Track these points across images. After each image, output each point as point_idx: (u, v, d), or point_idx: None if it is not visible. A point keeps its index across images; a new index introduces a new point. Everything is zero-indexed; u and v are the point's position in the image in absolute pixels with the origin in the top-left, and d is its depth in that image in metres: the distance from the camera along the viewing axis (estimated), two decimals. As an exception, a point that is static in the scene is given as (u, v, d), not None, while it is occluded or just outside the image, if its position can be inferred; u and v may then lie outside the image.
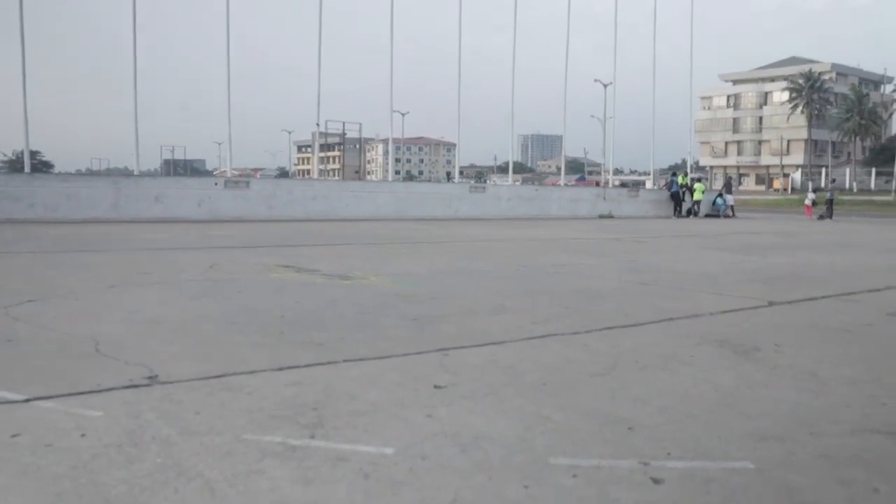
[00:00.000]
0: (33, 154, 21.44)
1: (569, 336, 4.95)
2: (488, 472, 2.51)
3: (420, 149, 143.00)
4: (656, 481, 2.48)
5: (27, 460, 2.54)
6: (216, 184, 21.60)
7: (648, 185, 37.06)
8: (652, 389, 3.66)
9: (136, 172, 21.80)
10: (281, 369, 3.84)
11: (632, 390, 3.64)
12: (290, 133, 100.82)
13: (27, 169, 19.84)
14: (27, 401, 3.22)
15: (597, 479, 2.49)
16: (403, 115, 64.44)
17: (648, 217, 28.31)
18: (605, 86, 40.27)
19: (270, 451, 2.66)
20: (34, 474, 2.42)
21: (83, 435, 2.78)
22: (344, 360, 4.07)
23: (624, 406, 3.35)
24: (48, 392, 3.33)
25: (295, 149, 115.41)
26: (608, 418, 3.16)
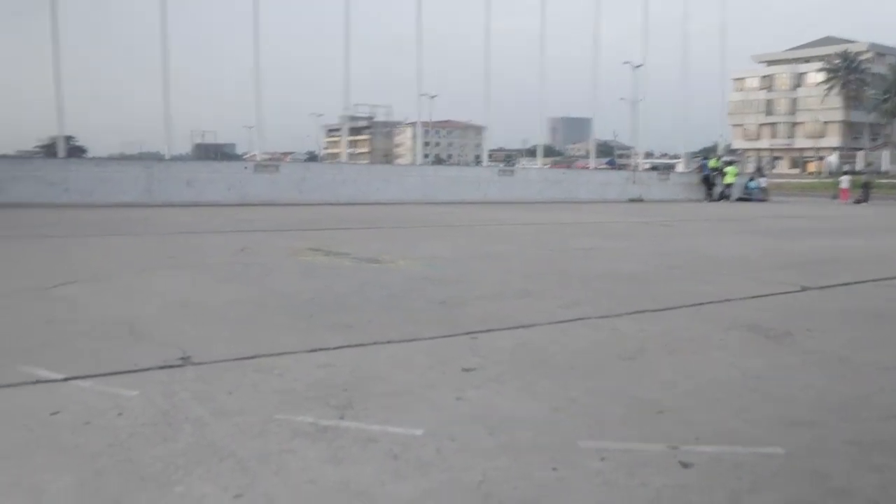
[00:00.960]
0: (67, 139, 21.76)
1: (597, 319, 4.94)
2: (516, 454, 2.53)
3: (449, 132, 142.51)
4: (685, 465, 2.48)
5: (67, 438, 2.61)
6: (246, 168, 21.75)
7: (680, 168, 36.63)
8: (681, 373, 3.65)
9: (167, 157, 22.04)
10: (311, 351, 3.89)
11: (660, 374, 3.63)
12: (318, 117, 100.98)
13: (62, 154, 20.14)
14: (66, 380, 3.30)
15: (625, 462, 2.49)
16: (432, 98, 64.33)
17: (679, 200, 28.00)
18: (636, 68, 39.82)
19: (301, 431, 2.70)
20: (74, 451, 2.49)
21: (120, 414, 2.85)
22: (373, 343, 4.11)
23: (652, 390, 3.34)
24: (86, 371, 3.41)
25: (324, 133, 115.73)
26: (636, 402, 3.16)
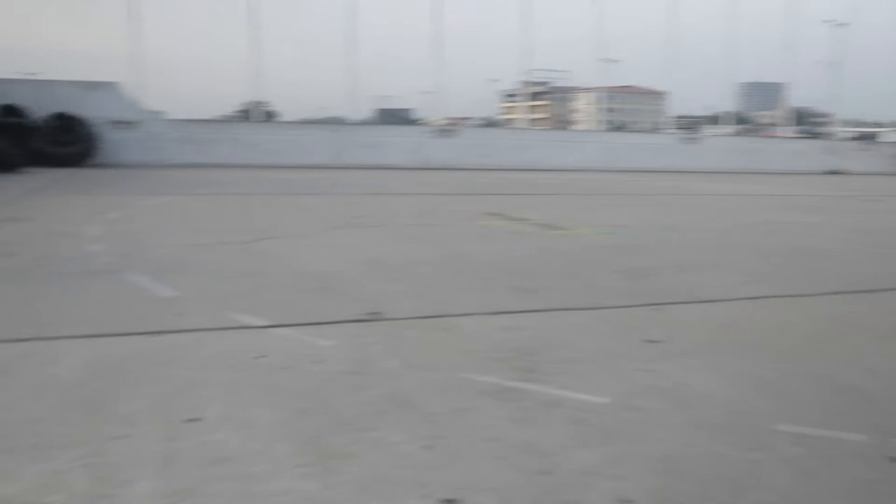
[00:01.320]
0: (261, 104, 23.29)
1: (789, 298, 4.66)
2: (705, 432, 2.45)
3: (629, 98, 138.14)
4: (895, 460, 2.29)
5: (272, 379, 2.83)
6: (426, 132, 22.30)
7: (888, 138, 33.44)
8: (887, 360, 3.37)
9: (351, 121, 23.02)
10: (493, 313, 3.95)
11: (863, 360, 3.37)
12: (495, 82, 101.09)
13: (256, 119, 21.58)
14: (268, 327, 3.56)
15: (826, 451, 2.35)
16: (612, 63, 62.41)
17: (886, 174, 25.62)
18: (838, 27, 36.54)
19: (486, 390, 2.76)
20: (279, 392, 2.69)
21: (317, 361, 3.05)
22: (554, 309, 4.11)
23: (855, 376, 3.11)
24: (285, 321, 3.67)
25: (500, 98, 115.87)
26: (837, 387, 2.96)
